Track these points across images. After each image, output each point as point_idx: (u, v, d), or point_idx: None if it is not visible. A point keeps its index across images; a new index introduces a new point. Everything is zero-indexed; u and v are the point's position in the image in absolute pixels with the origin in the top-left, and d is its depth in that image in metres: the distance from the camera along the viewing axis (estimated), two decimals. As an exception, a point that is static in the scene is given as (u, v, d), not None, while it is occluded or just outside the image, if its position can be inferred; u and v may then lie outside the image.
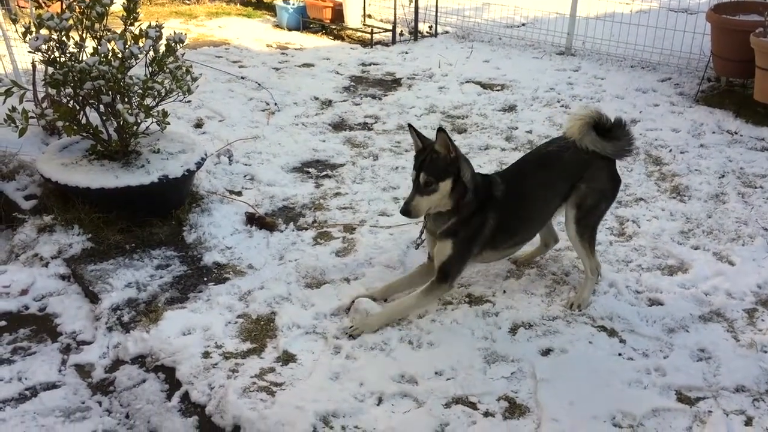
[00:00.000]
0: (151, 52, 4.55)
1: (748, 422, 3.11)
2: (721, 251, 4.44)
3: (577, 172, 3.85)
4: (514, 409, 3.19)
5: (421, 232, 3.98)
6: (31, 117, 4.33)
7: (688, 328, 3.73)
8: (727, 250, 4.44)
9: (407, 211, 3.66)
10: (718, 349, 3.55)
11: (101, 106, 4.51)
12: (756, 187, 5.29)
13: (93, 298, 4.05)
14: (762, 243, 4.50)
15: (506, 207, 3.82)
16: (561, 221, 4.10)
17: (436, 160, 3.62)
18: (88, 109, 4.60)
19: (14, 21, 4.48)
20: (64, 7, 4.66)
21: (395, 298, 3.94)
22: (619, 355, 3.53)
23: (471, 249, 3.81)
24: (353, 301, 3.85)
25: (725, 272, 4.19)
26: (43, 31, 4.29)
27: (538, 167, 3.97)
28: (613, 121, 3.89)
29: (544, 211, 4.01)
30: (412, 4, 9.90)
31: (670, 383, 3.33)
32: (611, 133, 3.85)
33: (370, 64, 8.93)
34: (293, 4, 10.67)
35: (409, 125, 3.88)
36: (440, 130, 3.56)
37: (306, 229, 4.79)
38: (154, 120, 4.64)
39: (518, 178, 3.95)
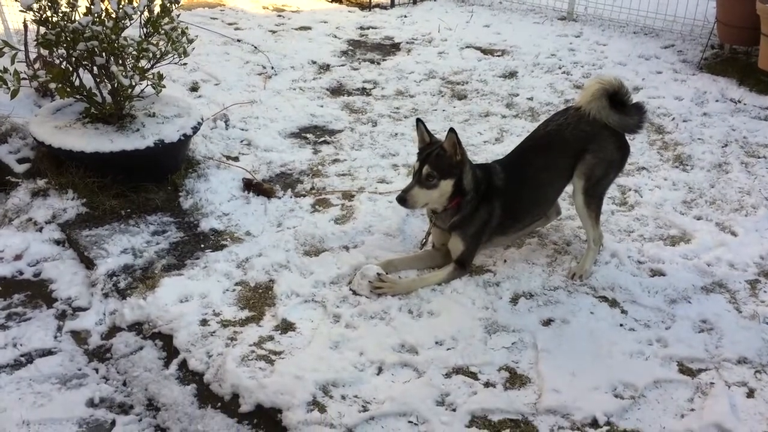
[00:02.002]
0: (146, 13, 4.43)
1: (750, 394, 3.09)
2: (724, 222, 4.40)
3: (581, 146, 3.79)
4: (515, 380, 3.17)
5: (427, 235, 4.00)
6: (23, 78, 4.23)
7: (690, 299, 3.70)
8: (730, 220, 4.40)
9: (403, 199, 3.64)
10: (720, 321, 3.53)
11: (95, 68, 4.41)
12: (759, 157, 5.24)
13: (88, 263, 4.00)
14: (765, 213, 4.46)
15: (509, 195, 3.81)
16: (566, 191, 4.07)
17: (441, 156, 3.61)
18: (81, 70, 4.48)
19: (4, -21, 4.36)
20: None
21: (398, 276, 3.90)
22: (621, 325, 3.50)
23: (480, 239, 3.85)
24: (357, 270, 3.81)
25: (728, 243, 4.16)
26: (35, -10, 4.17)
27: (538, 150, 3.91)
28: (634, 101, 3.84)
29: (549, 192, 4.00)
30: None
31: (672, 354, 3.31)
32: (624, 108, 3.78)
33: (368, 28, 8.78)
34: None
35: (419, 120, 3.80)
36: (451, 130, 3.55)
37: (304, 195, 4.72)
38: (149, 83, 4.55)
39: (518, 163, 3.91)
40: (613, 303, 3.67)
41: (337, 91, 6.70)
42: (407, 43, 8.14)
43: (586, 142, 3.78)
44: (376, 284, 3.68)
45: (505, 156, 4.09)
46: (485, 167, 3.90)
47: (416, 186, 3.64)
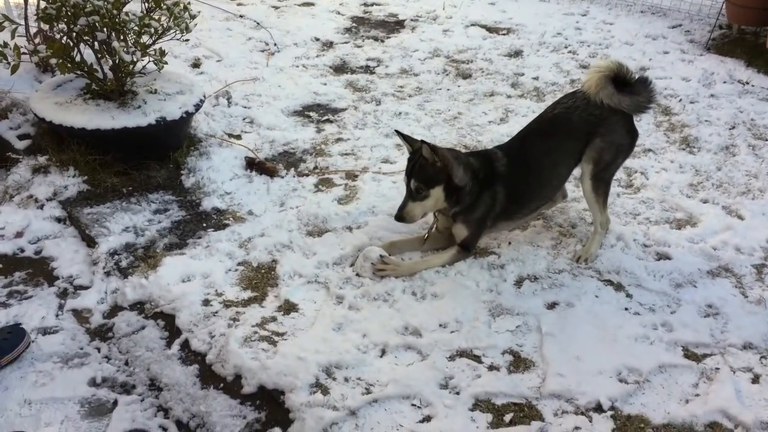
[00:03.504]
0: (148, -13, 4.37)
1: (755, 380, 3.08)
2: (731, 205, 4.36)
3: (590, 130, 3.73)
4: (519, 363, 3.15)
5: (429, 230, 3.93)
6: (24, 53, 4.18)
7: (695, 284, 3.68)
8: (737, 204, 4.36)
9: (401, 217, 3.66)
10: (726, 305, 3.51)
11: (96, 43, 4.35)
12: (767, 140, 5.18)
13: (90, 242, 3.97)
14: (772, 197, 4.42)
15: (512, 180, 3.76)
16: (574, 174, 4.03)
17: (425, 166, 3.58)
18: (82, 46, 4.42)
19: (3, -49, 4.28)
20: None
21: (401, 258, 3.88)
22: (626, 309, 3.48)
23: (484, 224, 3.81)
24: (360, 251, 3.78)
25: (734, 227, 4.12)
26: (34, -37, 4.11)
27: (543, 133, 3.85)
28: (637, 77, 3.76)
29: (554, 176, 3.93)
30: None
31: (677, 339, 3.29)
32: (631, 88, 3.71)
33: (372, 5, 8.67)
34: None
35: (396, 131, 3.79)
36: (423, 143, 3.51)
37: (307, 175, 4.68)
38: (151, 59, 4.48)
39: (522, 148, 3.85)
40: (618, 287, 3.64)
41: (340, 68, 6.62)
42: (412, 20, 8.03)
43: (596, 126, 3.72)
44: (379, 266, 3.65)
45: (510, 140, 4.03)
46: (484, 155, 3.86)
47: (410, 201, 3.64)
